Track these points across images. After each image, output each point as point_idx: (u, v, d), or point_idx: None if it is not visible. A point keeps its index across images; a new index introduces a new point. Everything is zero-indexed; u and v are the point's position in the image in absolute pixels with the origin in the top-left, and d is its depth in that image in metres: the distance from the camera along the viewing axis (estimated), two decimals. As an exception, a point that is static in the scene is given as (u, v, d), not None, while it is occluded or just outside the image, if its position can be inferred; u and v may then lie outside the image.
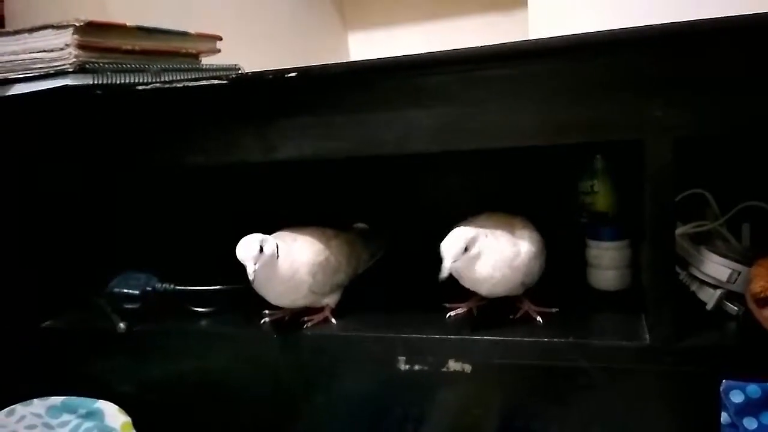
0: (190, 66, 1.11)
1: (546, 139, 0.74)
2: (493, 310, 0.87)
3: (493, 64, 0.73)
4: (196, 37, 1.12)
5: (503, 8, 1.71)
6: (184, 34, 1.09)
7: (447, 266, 0.76)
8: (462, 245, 0.76)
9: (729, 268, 0.80)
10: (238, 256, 0.79)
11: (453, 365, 0.82)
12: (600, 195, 0.96)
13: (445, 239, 0.77)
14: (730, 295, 0.81)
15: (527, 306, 0.86)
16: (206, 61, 1.17)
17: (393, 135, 0.78)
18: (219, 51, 1.19)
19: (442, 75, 0.75)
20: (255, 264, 0.79)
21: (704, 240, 0.87)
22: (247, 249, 0.79)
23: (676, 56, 0.69)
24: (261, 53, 1.35)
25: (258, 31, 1.53)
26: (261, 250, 0.80)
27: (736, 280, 0.80)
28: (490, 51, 0.72)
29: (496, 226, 0.81)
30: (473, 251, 0.77)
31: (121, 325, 0.94)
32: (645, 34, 0.68)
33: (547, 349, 0.79)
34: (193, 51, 1.12)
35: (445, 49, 0.73)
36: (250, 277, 0.79)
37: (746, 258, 0.81)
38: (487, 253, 0.78)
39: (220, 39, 1.19)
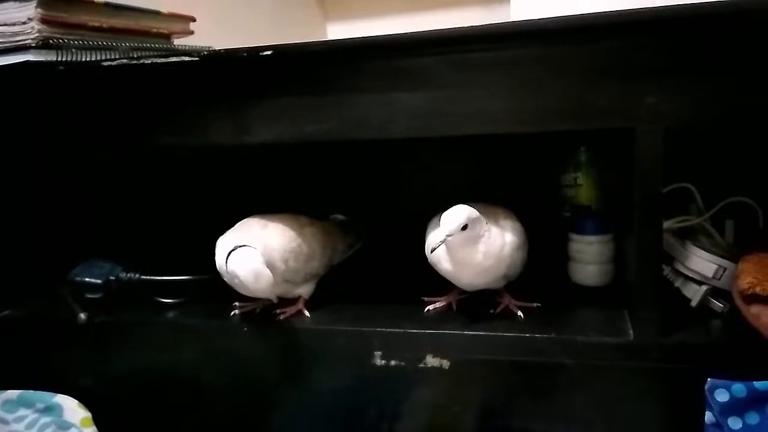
0: (161, 46, 1.07)
1: (534, 125, 0.72)
2: (473, 305, 0.85)
3: (481, 46, 0.71)
4: (168, 17, 1.09)
5: (485, 2, 1.69)
6: (155, 13, 1.06)
7: (441, 238, 0.73)
8: (462, 221, 0.74)
9: (715, 263, 0.78)
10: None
11: (431, 361, 0.79)
12: (583, 188, 0.94)
13: (448, 210, 0.75)
14: (715, 292, 0.80)
15: (508, 300, 0.84)
16: (179, 42, 1.14)
17: (375, 119, 0.75)
18: (192, 32, 1.16)
19: (428, 56, 0.72)
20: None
21: (687, 235, 0.85)
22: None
23: (669, 41, 0.67)
24: (237, 42, 1.32)
25: (235, 17, 1.50)
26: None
27: (721, 276, 0.78)
28: (479, 32, 0.70)
29: (482, 213, 0.78)
30: (470, 233, 0.75)
31: (82, 315, 0.90)
32: (637, 18, 0.66)
33: (529, 345, 0.77)
34: (165, 31, 1.09)
35: (431, 29, 0.70)
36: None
37: (731, 254, 0.80)
38: (482, 241, 0.76)
39: (194, 20, 1.16)
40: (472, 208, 0.75)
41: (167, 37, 1.10)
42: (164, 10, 1.07)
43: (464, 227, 0.74)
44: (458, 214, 0.74)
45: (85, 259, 0.95)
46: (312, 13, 1.87)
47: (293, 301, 0.88)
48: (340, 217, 1.06)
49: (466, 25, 0.71)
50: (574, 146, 0.95)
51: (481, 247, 0.76)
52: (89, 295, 0.92)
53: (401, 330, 0.81)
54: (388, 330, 0.81)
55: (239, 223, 0.86)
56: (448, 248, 0.77)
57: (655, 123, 0.67)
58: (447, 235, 0.74)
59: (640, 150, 0.68)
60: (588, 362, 0.75)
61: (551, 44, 0.70)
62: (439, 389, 0.80)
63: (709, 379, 0.70)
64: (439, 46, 0.72)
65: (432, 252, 0.77)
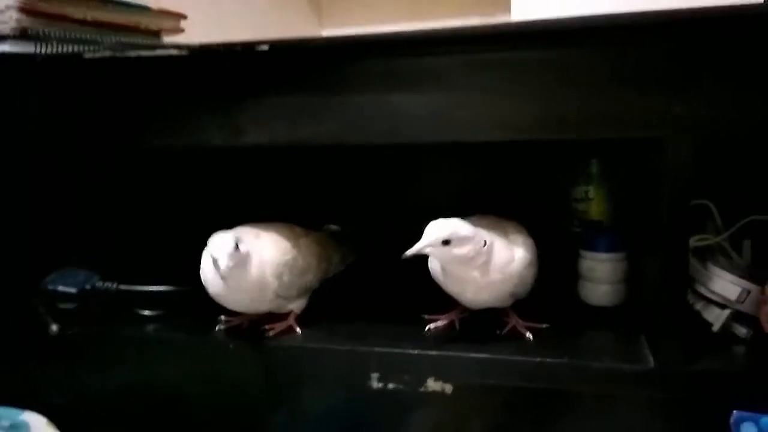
0: (149, 43, 1.02)
1: (551, 133, 0.67)
2: (478, 324, 0.79)
3: (493, 46, 0.65)
4: (157, 13, 1.05)
5: (484, 12, 1.66)
6: (144, 9, 1.02)
7: (415, 248, 0.69)
8: (443, 236, 0.69)
9: (739, 286, 0.73)
10: (211, 252, 0.71)
11: (432, 385, 0.74)
12: (595, 202, 0.89)
13: (433, 222, 0.71)
14: (737, 316, 0.74)
15: (515, 320, 0.78)
16: (169, 41, 1.09)
17: (378, 122, 0.69)
18: (183, 30, 1.12)
19: (439, 56, 0.66)
20: (229, 262, 0.70)
21: (704, 255, 0.80)
22: (223, 245, 0.71)
23: (700, 46, 0.62)
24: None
25: (227, 20, 1.46)
26: (237, 247, 0.71)
27: (745, 299, 0.73)
28: (492, 31, 0.65)
29: (489, 228, 0.73)
30: (458, 250, 0.70)
31: (54, 327, 0.84)
32: (667, 20, 0.61)
33: (539, 369, 0.71)
34: (154, 28, 1.05)
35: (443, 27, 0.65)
36: (223, 275, 0.71)
37: (752, 276, 0.75)
38: (479, 257, 0.71)
39: (185, 17, 1.12)
40: (463, 225, 0.70)
41: (156, 34, 1.06)
42: (153, 5, 1.02)
43: (447, 242, 0.69)
44: (440, 227, 0.70)
45: (59, 266, 0.89)
46: (306, 18, 1.85)
47: (283, 316, 0.82)
48: (333, 227, 1.01)
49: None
50: (585, 158, 0.90)
51: (480, 263, 0.71)
52: (62, 306, 0.87)
53: (400, 350, 0.75)
54: (386, 350, 0.75)
55: (230, 231, 0.80)
56: (439, 262, 0.73)
57: (683, 134, 0.62)
58: (423, 245, 0.69)
59: (668, 162, 0.63)
60: (603, 390, 0.69)
61: (571, 46, 0.65)
62: (441, 416, 0.75)
63: (734, 412, 0.65)
64: (447, 45, 0.67)
65: (402, 258, 0.71)
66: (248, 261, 0.74)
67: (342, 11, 1.84)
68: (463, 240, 0.69)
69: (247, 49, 0.69)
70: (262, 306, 0.79)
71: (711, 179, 0.81)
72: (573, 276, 0.88)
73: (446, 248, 0.69)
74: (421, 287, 0.79)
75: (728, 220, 0.83)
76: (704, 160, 0.69)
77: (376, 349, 0.75)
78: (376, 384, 0.75)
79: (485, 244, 0.71)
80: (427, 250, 0.70)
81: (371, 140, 0.70)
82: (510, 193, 0.96)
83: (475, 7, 1.67)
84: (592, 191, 0.90)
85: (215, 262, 0.71)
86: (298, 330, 0.81)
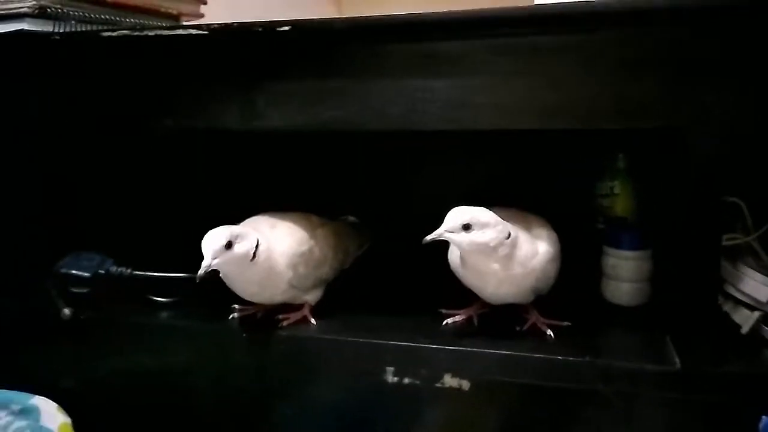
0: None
1: (574, 122, 0.65)
2: (497, 320, 0.77)
3: (521, 30, 0.63)
4: None
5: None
6: None
7: (436, 233, 0.68)
8: (464, 220, 0.68)
9: (770, 287, 0.70)
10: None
11: (449, 381, 0.72)
12: (620, 198, 0.87)
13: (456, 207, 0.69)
14: (766, 319, 0.72)
15: (535, 317, 0.76)
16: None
17: (400, 107, 0.67)
18: (203, 16, 1.11)
19: (463, 40, 0.64)
20: (213, 259, 0.68)
21: (733, 255, 0.77)
22: (213, 241, 0.69)
23: (729, 31, 0.59)
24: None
25: (247, 8, 1.45)
26: (229, 245, 0.69)
27: (776, 301, 0.70)
28: (519, 13, 0.63)
29: (512, 221, 0.71)
30: (479, 236, 0.68)
31: (66, 310, 0.83)
32: (692, 5, 0.58)
33: (560, 368, 0.69)
34: (174, 12, 1.04)
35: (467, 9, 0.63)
36: (200, 272, 0.68)
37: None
38: (502, 248, 0.69)
39: (205, 2, 1.11)
40: (485, 211, 0.69)
41: (176, 18, 1.05)
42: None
43: (467, 227, 0.67)
44: (461, 211, 0.68)
45: (73, 250, 0.88)
46: (326, 7, 1.83)
47: (298, 306, 0.80)
48: (351, 218, 0.99)
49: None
50: (611, 152, 0.87)
51: (502, 255, 0.69)
52: (75, 289, 0.85)
53: (417, 344, 0.73)
54: (403, 344, 0.73)
55: (247, 220, 0.79)
56: (460, 251, 0.71)
57: (712, 124, 0.59)
58: (444, 230, 0.68)
59: (695, 155, 0.61)
60: (627, 391, 0.67)
61: (594, 30, 0.63)
62: (457, 413, 0.73)
63: (763, 417, 0.62)
64: (474, 29, 0.65)
65: (422, 243, 0.70)
66: (260, 253, 0.72)
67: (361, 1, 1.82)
68: (484, 226, 0.67)
69: (268, 29, 0.67)
70: (276, 297, 0.78)
71: (742, 177, 0.78)
72: (596, 274, 0.85)
73: (466, 234, 0.68)
74: (439, 281, 0.77)
75: (758, 219, 0.80)
76: (736, 156, 0.67)
77: (392, 342, 0.74)
78: (391, 378, 0.73)
79: (509, 236, 0.68)
80: (446, 236, 0.68)
81: (392, 126, 0.68)
82: (532, 187, 0.93)
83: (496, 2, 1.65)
84: (617, 187, 0.87)
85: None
86: (313, 321, 0.79)
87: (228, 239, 0.69)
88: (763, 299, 0.71)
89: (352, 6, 1.84)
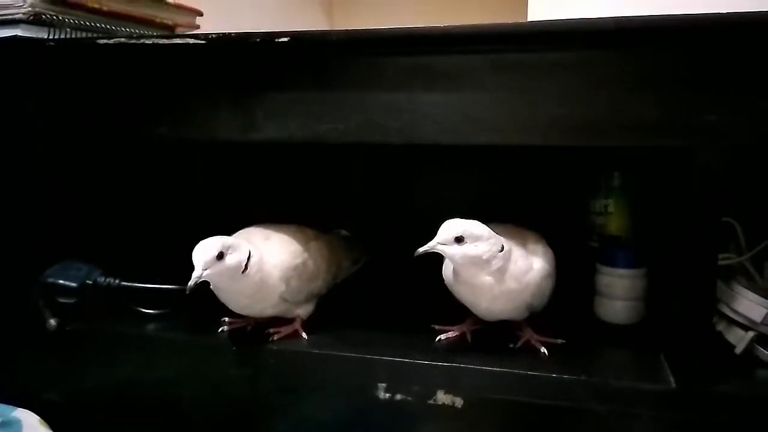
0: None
1: (574, 139, 0.64)
2: (490, 337, 0.76)
3: (520, 46, 0.63)
4: (173, 8, 1.04)
5: (499, 15, 1.65)
6: (160, 2, 1.00)
7: (428, 245, 0.68)
8: (457, 232, 0.67)
9: (764, 307, 0.70)
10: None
11: (442, 397, 0.71)
12: (614, 216, 0.87)
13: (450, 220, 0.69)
14: (760, 339, 0.71)
15: (529, 334, 0.75)
16: (183, 36, 1.07)
17: (398, 121, 0.67)
18: (198, 27, 1.11)
19: (464, 54, 0.64)
20: (204, 270, 0.67)
21: (727, 274, 0.77)
22: (205, 252, 0.68)
23: (734, 51, 0.59)
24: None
25: (241, 20, 1.45)
26: (221, 256, 0.68)
27: (769, 321, 0.70)
28: (519, 29, 0.63)
29: (507, 236, 0.71)
30: (472, 249, 0.67)
31: (52, 321, 0.82)
32: (700, 23, 0.59)
33: (554, 386, 0.68)
34: (169, 22, 1.04)
35: (469, 24, 0.63)
36: (190, 283, 0.67)
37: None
38: (495, 262, 0.68)
39: (201, 14, 1.11)
40: (478, 224, 0.68)
41: (171, 29, 1.04)
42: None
43: (460, 240, 0.67)
44: (454, 224, 0.68)
45: (60, 259, 0.86)
46: (320, 22, 1.84)
47: (289, 320, 0.79)
48: (344, 232, 0.98)
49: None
50: (605, 170, 0.88)
51: (495, 269, 0.69)
52: (62, 300, 0.83)
53: (410, 360, 0.72)
54: (395, 359, 0.73)
55: (240, 232, 0.78)
56: (453, 264, 0.70)
57: (716, 143, 0.59)
58: (437, 242, 0.68)
59: (699, 173, 0.60)
60: (622, 410, 0.66)
61: (595, 47, 0.63)
62: (450, 430, 0.71)
63: (759, 439, 0.62)
64: (471, 44, 0.65)
65: (414, 255, 0.69)
66: (251, 265, 0.71)
67: (354, 11, 1.83)
68: (477, 239, 0.67)
69: (267, 40, 0.67)
70: (267, 310, 0.77)
71: (736, 197, 0.79)
72: (589, 292, 0.85)
73: (459, 247, 0.67)
74: (432, 296, 0.77)
75: (751, 239, 0.81)
76: (731, 176, 0.67)
77: (385, 357, 0.73)
78: (383, 394, 0.72)
79: (502, 249, 0.68)
80: (439, 248, 0.68)
81: (389, 139, 0.67)
82: (527, 203, 0.93)
83: (490, 7, 1.66)
84: (612, 205, 0.87)
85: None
86: (304, 335, 0.78)
87: (219, 250, 0.68)
88: (758, 319, 0.71)
89: (344, 19, 1.84)
